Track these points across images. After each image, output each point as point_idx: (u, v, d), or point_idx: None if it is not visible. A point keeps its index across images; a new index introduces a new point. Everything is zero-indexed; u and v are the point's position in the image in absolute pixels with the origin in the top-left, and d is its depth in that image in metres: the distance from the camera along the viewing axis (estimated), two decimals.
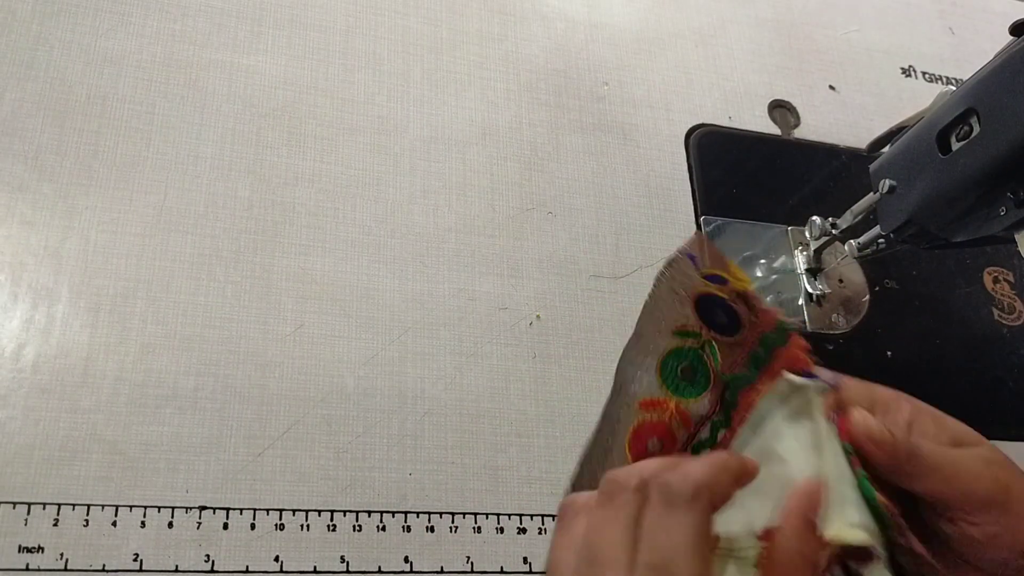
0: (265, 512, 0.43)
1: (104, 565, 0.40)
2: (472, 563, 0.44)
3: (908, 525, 0.34)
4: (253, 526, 0.42)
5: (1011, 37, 0.45)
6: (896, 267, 0.60)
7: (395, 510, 0.45)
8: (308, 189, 0.51)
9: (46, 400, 0.42)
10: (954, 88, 0.48)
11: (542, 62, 0.61)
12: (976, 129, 0.45)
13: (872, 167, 0.52)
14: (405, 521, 0.44)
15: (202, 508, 0.42)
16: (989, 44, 0.69)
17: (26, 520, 0.40)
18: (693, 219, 0.58)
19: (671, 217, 0.58)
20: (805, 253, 0.57)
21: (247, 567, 0.41)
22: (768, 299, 0.52)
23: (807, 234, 0.56)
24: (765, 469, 0.32)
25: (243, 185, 0.50)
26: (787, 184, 0.61)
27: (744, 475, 0.32)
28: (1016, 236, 0.46)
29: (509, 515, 0.46)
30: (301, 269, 0.49)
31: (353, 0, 0.58)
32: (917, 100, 0.68)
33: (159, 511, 0.42)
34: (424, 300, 0.50)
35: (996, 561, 0.36)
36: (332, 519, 0.44)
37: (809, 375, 0.34)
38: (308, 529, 0.43)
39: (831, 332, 0.55)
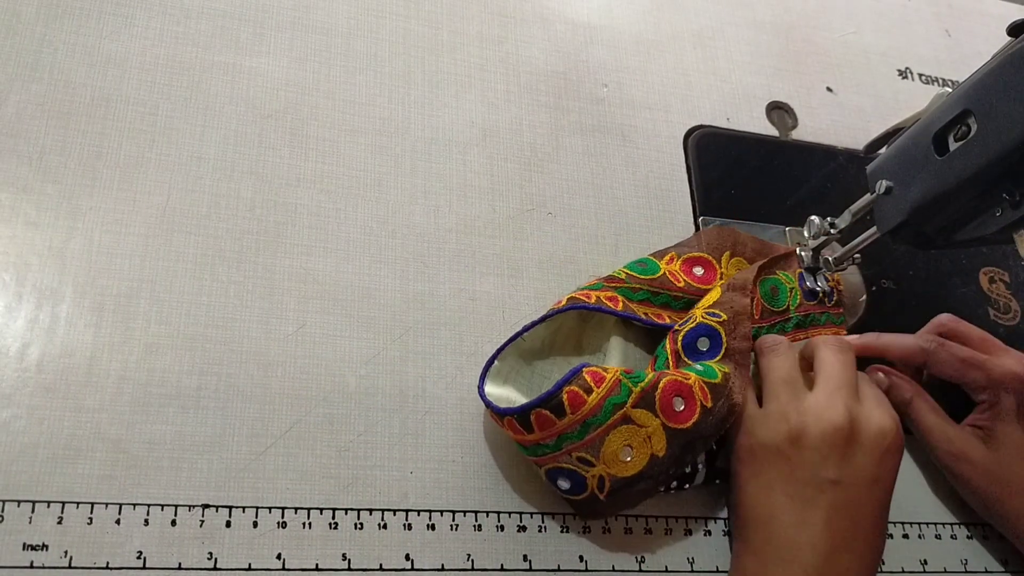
0: (267, 510, 0.43)
1: (108, 563, 0.40)
2: (473, 561, 0.45)
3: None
4: (255, 524, 0.43)
5: (1008, 38, 0.45)
6: (893, 267, 0.61)
7: (396, 508, 0.45)
8: (310, 190, 0.52)
9: (50, 399, 0.43)
10: (950, 90, 0.48)
11: (542, 64, 0.61)
12: (973, 130, 0.45)
13: (869, 168, 0.52)
14: (406, 519, 0.45)
15: (205, 506, 0.42)
16: (985, 46, 0.70)
17: (30, 518, 0.40)
18: (692, 219, 0.59)
19: (670, 218, 0.58)
20: (804, 253, 0.57)
21: (249, 565, 0.42)
22: None
23: (805, 233, 0.56)
24: None
25: (245, 186, 0.51)
26: (785, 185, 0.62)
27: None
28: (1015, 236, 0.46)
29: (509, 513, 0.46)
30: (303, 269, 0.49)
31: (354, 3, 0.59)
32: (914, 102, 0.69)
33: (162, 509, 0.42)
34: (425, 300, 0.51)
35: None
36: (334, 517, 0.44)
37: None
38: (310, 527, 0.43)
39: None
